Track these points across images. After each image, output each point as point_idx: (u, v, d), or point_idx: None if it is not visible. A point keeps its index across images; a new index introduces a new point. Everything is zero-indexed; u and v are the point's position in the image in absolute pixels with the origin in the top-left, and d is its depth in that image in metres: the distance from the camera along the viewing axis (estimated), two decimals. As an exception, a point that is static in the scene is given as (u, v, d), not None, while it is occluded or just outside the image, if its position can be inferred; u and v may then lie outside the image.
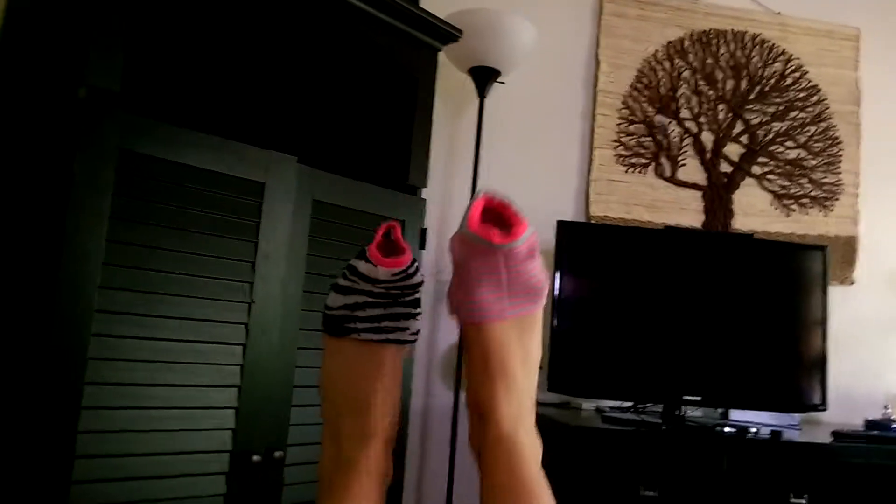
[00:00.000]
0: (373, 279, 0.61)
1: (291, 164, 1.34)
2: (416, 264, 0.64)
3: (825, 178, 2.47)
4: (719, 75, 2.44)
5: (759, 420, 2.08)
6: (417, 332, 0.65)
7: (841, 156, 2.48)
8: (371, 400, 0.63)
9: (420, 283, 0.64)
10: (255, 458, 1.24)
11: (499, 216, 0.60)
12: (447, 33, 1.65)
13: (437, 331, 2.18)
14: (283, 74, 1.71)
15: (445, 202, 2.23)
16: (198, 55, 1.57)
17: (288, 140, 1.63)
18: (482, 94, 2.07)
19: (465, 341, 0.63)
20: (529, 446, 0.60)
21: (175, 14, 1.51)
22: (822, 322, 2.08)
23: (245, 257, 1.26)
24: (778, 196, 2.44)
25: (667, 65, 2.40)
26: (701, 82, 2.42)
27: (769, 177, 2.44)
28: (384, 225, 0.64)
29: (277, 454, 1.28)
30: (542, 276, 0.62)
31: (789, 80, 2.48)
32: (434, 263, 2.17)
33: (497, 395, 0.60)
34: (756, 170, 2.43)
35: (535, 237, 0.60)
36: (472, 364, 0.62)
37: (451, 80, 2.17)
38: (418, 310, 0.65)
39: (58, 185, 1.07)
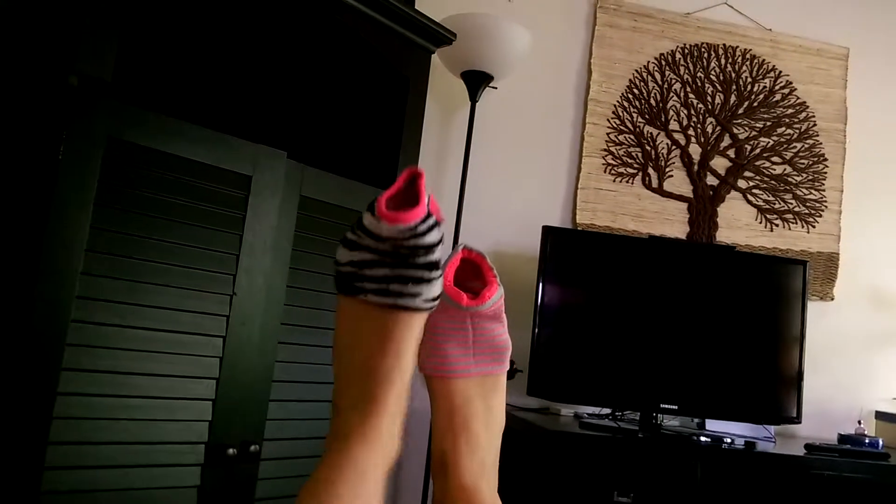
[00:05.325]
0: (376, 235, 0.54)
1: (280, 159, 1.35)
2: (432, 220, 0.55)
3: (809, 194, 2.50)
4: (709, 89, 2.46)
5: (734, 431, 2.11)
6: (435, 299, 0.58)
7: (826, 173, 2.52)
8: (374, 369, 0.57)
9: (436, 244, 0.56)
10: (231, 451, 1.24)
11: (475, 268, 0.65)
12: (441, 36, 1.66)
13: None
14: (276, 69, 1.72)
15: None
16: (192, 48, 1.58)
17: (278, 135, 1.63)
18: (474, 99, 2.08)
19: (432, 395, 0.65)
20: (491, 500, 0.62)
21: (170, 6, 1.51)
22: (800, 336, 2.11)
23: (229, 249, 1.27)
24: (762, 210, 2.46)
25: (658, 76, 2.43)
26: (691, 95, 2.45)
27: (754, 191, 2.46)
28: (407, 170, 0.56)
29: (253, 448, 1.28)
30: (506, 338, 0.66)
31: (778, 97, 2.51)
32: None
33: (459, 448, 0.62)
34: (742, 184, 2.45)
35: (502, 301, 0.65)
36: (436, 417, 0.65)
37: (443, 83, 2.19)
38: (435, 273, 0.56)
39: (44, 170, 1.07)
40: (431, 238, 0.55)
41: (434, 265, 0.56)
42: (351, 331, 0.58)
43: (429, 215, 0.55)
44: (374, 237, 0.55)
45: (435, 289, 0.57)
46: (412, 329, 0.58)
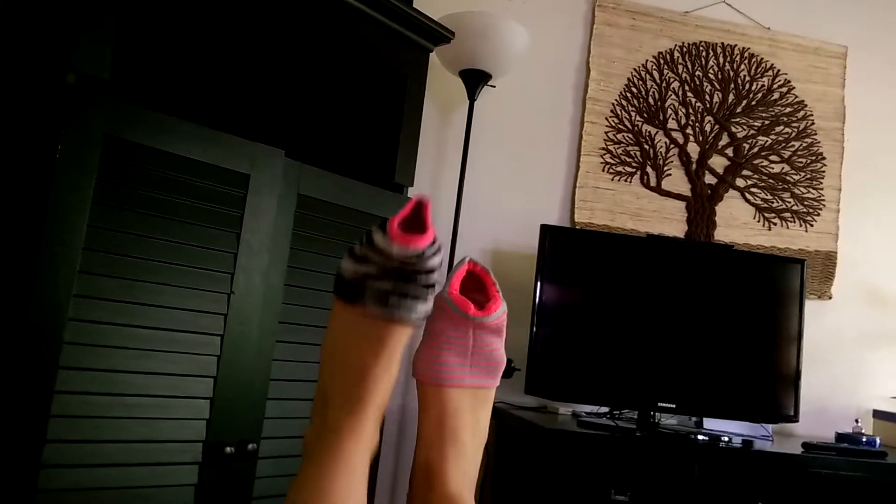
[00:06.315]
0: (386, 254, 0.58)
1: (278, 158, 1.35)
2: (437, 246, 0.60)
3: (807, 193, 2.50)
4: (707, 87, 2.46)
5: (731, 429, 2.11)
6: (424, 318, 0.63)
7: (824, 172, 2.52)
8: (366, 372, 0.61)
9: (437, 268, 0.61)
10: (229, 449, 1.24)
11: (479, 281, 0.66)
12: (439, 34, 1.66)
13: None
14: (274, 68, 1.72)
15: (432, 203, 2.24)
16: (190, 46, 1.58)
17: (276, 133, 1.63)
18: (472, 97, 2.08)
19: (423, 402, 0.66)
20: None
21: (168, 5, 1.51)
22: (798, 335, 2.11)
23: (227, 248, 1.26)
24: (760, 209, 2.47)
25: (656, 75, 2.43)
26: (689, 94, 2.45)
27: (752, 190, 2.47)
28: (415, 198, 0.61)
29: (251, 446, 1.28)
30: (502, 353, 0.67)
31: (776, 95, 2.51)
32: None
33: (447, 456, 0.63)
34: (740, 182, 2.46)
35: (505, 316, 0.66)
36: (425, 424, 0.65)
37: (441, 81, 2.19)
38: (431, 293, 0.62)
39: (42, 169, 1.06)
40: (434, 262, 0.60)
41: (432, 286, 0.61)
42: (345, 335, 0.62)
43: (434, 241, 0.60)
44: (383, 255, 0.58)
45: (428, 306, 0.62)
46: (402, 341, 0.62)
